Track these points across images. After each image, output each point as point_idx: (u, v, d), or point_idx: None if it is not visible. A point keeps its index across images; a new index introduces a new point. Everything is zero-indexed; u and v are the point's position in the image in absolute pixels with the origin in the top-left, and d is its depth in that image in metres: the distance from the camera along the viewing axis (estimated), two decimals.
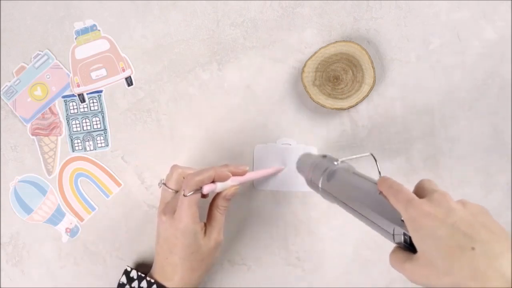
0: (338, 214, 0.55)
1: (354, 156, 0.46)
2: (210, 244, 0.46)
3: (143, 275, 0.48)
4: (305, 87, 0.52)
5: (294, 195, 0.55)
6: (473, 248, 0.29)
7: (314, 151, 0.54)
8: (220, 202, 0.46)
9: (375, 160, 0.41)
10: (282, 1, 0.54)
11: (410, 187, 0.36)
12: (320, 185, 0.44)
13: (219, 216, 0.46)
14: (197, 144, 0.56)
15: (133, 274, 0.49)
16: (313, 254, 0.56)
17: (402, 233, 0.34)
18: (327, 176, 0.44)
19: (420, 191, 0.36)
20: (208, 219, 0.47)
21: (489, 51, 0.53)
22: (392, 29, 0.54)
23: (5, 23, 0.56)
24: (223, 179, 0.44)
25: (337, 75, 0.53)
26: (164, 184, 0.48)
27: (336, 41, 0.52)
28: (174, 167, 0.48)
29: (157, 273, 0.47)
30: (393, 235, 0.35)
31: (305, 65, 0.52)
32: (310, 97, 0.52)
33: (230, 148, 0.55)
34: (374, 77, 0.52)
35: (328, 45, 0.52)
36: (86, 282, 0.57)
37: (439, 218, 0.31)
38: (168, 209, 0.46)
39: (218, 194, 0.46)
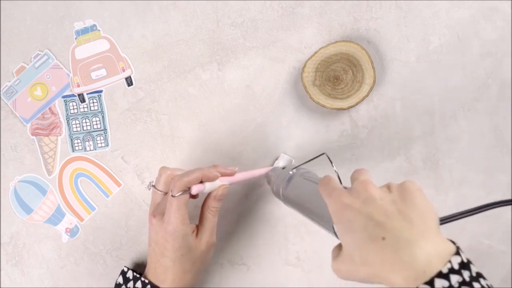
0: None
1: (308, 160, 0.46)
2: (202, 246, 0.45)
3: (138, 275, 0.48)
4: (305, 87, 0.52)
5: None
6: (383, 238, 0.29)
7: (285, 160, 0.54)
8: (211, 203, 0.45)
9: (330, 161, 0.41)
10: (282, 1, 0.54)
11: None
12: (281, 195, 0.45)
13: (211, 218, 0.46)
14: (197, 144, 0.56)
15: (129, 274, 0.49)
16: (313, 254, 0.56)
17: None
18: (285, 184, 0.45)
19: (350, 182, 0.36)
20: (200, 221, 0.47)
21: (489, 51, 0.53)
22: (392, 29, 0.54)
23: (5, 23, 0.56)
24: (211, 179, 0.44)
25: (337, 75, 0.53)
26: (153, 186, 0.48)
27: (336, 41, 0.52)
28: (162, 169, 0.47)
29: (150, 274, 0.47)
30: (335, 232, 0.34)
31: (305, 65, 0.52)
32: (310, 97, 0.52)
33: (230, 148, 0.56)
34: (374, 77, 0.52)
35: (328, 45, 0.52)
36: (86, 282, 0.57)
37: (356, 208, 0.31)
38: (158, 211, 0.45)
39: (209, 195, 0.46)
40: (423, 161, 0.55)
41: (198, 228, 0.46)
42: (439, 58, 0.54)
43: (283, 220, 0.56)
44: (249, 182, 0.55)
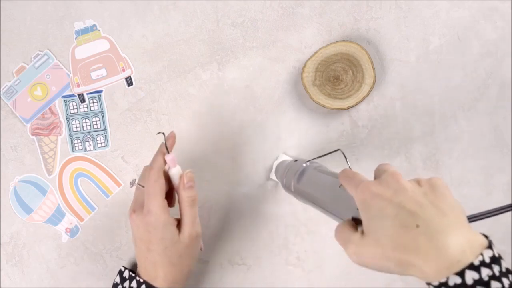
0: None
1: (322, 155, 0.45)
2: (185, 240, 0.44)
3: (133, 275, 0.48)
4: (305, 87, 0.52)
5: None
6: (417, 226, 0.29)
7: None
8: (183, 194, 0.44)
9: (345, 157, 0.41)
10: (282, 1, 0.54)
11: None
12: (292, 188, 0.45)
13: (188, 209, 0.45)
14: (197, 143, 0.56)
15: (126, 274, 0.49)
16: (313, 254, 0.56)
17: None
18: (297, 178, 0.44)
19: (376, 175, 0.36)
20: (180, 216, 0.46)
21: (489, 51, 0.53)
22: (392, 29, 0.54)
23: (5, 23, 0.56)
24: (169, 146, 0.45)
25: (337, 75, 0.53)
26: (139, 184, 0.47)
27: (336, 41, 0.52)
28: (146, 167, 0.47)
29: (142, 273, 0.47)
30: None
31: (305, 65, 0.52)
32: (310, 97, 0.52)
33: (230, 147, 0.55)
34: (374, 77, 0.52)
35: (328, 45, 0.52)
36: (86, 282, 0.57)
37: (387, 198, 0.31)
38: (137, 205, 0.45)
39: (179, 188, 0.45)
40: (423, 161, 0.55)
41: (180, 222, 0.45)
42: (439, 58, 0.54)
43: (283, 220, 0.56)
44: (248, 181, 0.55)
